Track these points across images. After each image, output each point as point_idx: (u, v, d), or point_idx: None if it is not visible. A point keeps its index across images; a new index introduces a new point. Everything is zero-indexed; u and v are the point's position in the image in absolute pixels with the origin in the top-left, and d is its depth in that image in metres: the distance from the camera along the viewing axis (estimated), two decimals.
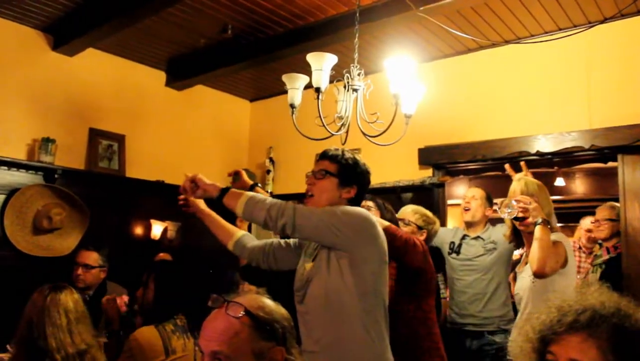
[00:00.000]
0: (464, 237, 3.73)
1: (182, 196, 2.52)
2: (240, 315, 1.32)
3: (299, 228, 2.03)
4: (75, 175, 4.37)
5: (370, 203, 2.73)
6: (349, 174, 2.20)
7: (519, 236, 2.84)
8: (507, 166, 3.74)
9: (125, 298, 3.16)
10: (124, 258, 4.27)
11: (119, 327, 2.96)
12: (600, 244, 4.04)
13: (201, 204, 2.57)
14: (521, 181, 2.84)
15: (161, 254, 4.49)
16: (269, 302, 1.41)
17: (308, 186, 2.25)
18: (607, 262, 3.83)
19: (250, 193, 2.13)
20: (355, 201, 2.22)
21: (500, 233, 3.53)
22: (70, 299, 2.35)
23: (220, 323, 1.33)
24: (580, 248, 4.66)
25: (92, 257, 3.53)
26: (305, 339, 2.09)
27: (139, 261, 4.52)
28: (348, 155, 2.24)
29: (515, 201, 2.65)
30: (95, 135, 4.61)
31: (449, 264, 3.73)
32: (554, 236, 2.58)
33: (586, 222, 4.68)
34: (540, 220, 2.53)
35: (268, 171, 5.50)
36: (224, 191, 2.18)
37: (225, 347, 1.30)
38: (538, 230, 2.51)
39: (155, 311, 2.54)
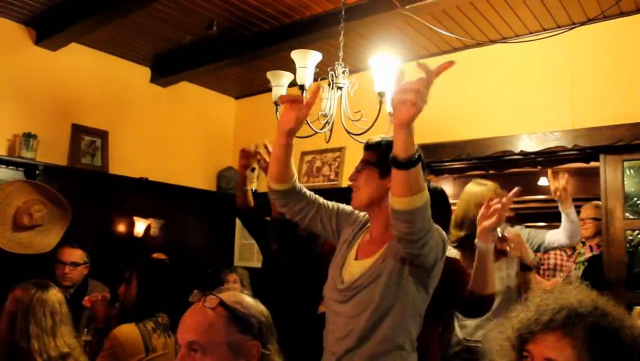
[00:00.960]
0: None
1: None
2: (215, 306, 1.34)
3: (429, 253, 1.76)
4: (57, 171, 4.33)
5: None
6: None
7: None
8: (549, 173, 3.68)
9: (108, 295, 3.13)
10: (107, 255, 4.23)
11: (104, 325, 2.93)
12: (584, 243, 4.07)
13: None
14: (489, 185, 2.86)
15: (155, 254, 4.46)
16: (247, 298, 1.42)
17: (352, 181, 2.03)
18: (590, 260, 3.87)
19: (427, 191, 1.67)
20: None
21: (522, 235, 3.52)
22: (56, 299, 2.32)
23: (196, 314, 1.35)
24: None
25: (78, 254, 3.50)
26: (335, 342, 1.92)
27: (121, 258, 4.50)
28: (388, 141, 1.90)
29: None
30: (78, 131, 4.57)
31: None
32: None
33: None
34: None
35: (252, 169, 5.45)
36: (420, 158, 1.61)
37: (200, 337, 1.31)
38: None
39: (137, 309, 2.52)
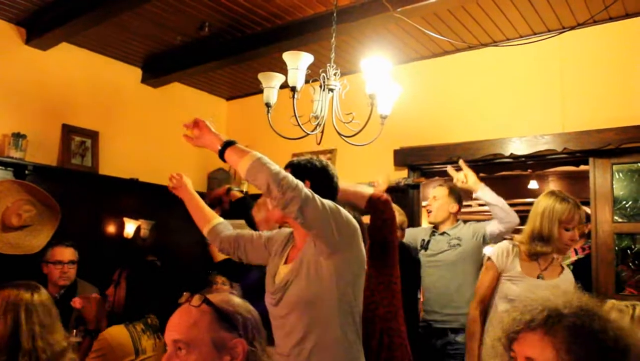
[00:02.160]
0: (433, 233, 3.77)
1: (173, 175, 2.56)
2: (199, 304, 1.36)
3: (306, 209, 1.88)
4: (47, 171, 4.30)
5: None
6: (300, 178, 1.99)
7: None
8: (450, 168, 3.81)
9: (98, 296, 3.11)
10: (96, 256, 4.21)
11: (96, 327, 2.90)
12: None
13: (189, 183, 2.55)
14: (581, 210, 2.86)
15: (150, 257, 4.44)
16: (235, 298, 1.43)
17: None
18: (575, 263, 3.89)
19: (259, 153, 1.93)
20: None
21: (468, 231, 3.58)
22: (47, 299, 2.31)
23: (182, 313, 1.38)
24: None
25: (72, 252, 3.50)
26: (281, 342, 2.06)
27: (111, 259, 4.47)
28: (302, 161, 2.19)
29: None
30: (68, 131, 4.54)
31: (422, 262, 3.75)
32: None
33: None
34: None
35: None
36: (228, 144, 1.98)
37: (184, 335, 1.33)
38: None
39: (126, 310, 2.51)
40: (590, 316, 1.09)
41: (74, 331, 2.99)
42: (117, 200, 4.80)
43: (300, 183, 1.89)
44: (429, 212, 3.80)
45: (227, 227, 2.44)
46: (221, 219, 2.47)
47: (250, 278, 3.20)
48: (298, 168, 2.13)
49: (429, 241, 3.75)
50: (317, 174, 2.16)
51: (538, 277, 2.73)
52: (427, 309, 3.65)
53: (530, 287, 2.66)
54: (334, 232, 1.94)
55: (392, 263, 2.57)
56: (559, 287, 2.52)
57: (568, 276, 2.81)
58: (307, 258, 2.02)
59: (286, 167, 2.14)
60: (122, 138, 4.94)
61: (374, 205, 2.48)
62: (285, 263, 2.15)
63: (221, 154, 1.98)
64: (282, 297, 2.05)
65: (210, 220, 2.44)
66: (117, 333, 2.37)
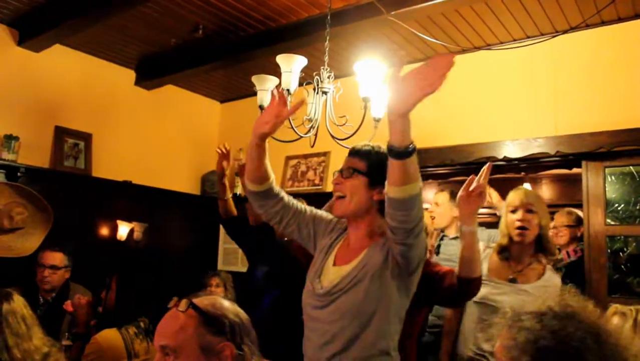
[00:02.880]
0: (442, 237, 3.77)
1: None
2: (185, 309, 1.36)
3: (414, 252, 1.79)
4: (39, 174, 4.29)
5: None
6: (380, 172, 1.83)
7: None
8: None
9: (90, 299, 3.10)
10: (89, 259, 4.20)
11: (86, 330, 2.89)
12: (559, 249, 4.10)
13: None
14: (520, 190, 2.83)
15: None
16: (223, 301, 1.42)
17: (336, 186, 2.00)
18: (569, 266, 3.90)
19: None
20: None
21: (482, 235, 3.57)
22: (22, 304, 2.28)
23: (169, 318, 1.38)
24: None
25: (58, 257, 3.46)
26: (316, 349, 1.91)
27: (104, 262, 4.46)
28: (378, 150, 1.96)
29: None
30: (61, 133, 4.53)
31: None
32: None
33: None
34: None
35: (237, 173, 5.47)
36: (414, 149, 1.63)
37: (171, 340, 1.33)
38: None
39: (118, 314, 2.50)
40: (579, 322, 1.08)
41: (66, 334, 2.98)
42: (111, 202, 4.79)
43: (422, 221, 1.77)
44: (432, 218, 3.80)
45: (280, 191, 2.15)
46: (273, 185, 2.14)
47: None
48: (379, 167, 1.85)
49: (439, 246, 3.75)
50: (379, 162, 1.92)
51: (511, 280, 2.69)
52: (441, 314, 3.63)
53: (493, 289, 2.67)
54: (418, 266, 1.87)
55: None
56: (527, 297, 2.43)
57: (551, 280, 2.72)
58: (370, 268, 1.87)
59: (362, 156, 1.97)
60: (116, 140, 4.92)
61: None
62: (336, 263, 1.98)
63: (405, 153, 1.61)
64: (333, 302, 1.89)
65: (270, 177, 2.09)
66: (110, 336, 2.36)
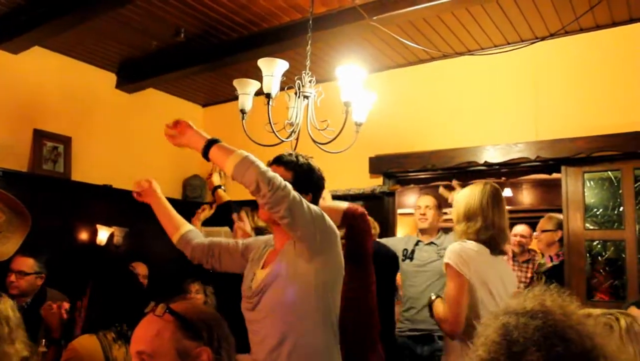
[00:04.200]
0: (417, 243, 3.78)
1: (141, 181, 2.43)
2: (162, 313, 1.34)
3: (294, 209, 1.86)
4: (17, 177, 4.22)
5: None
6: (304, 181, 2.06)
7: None
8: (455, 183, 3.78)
9: (66, 305, 3.05)
10: (68, 264, 4.14)
11: (60, 336, 2.85)
12: (542, 255, 4.14)
13: (157, 188, 2.41)
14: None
15: (134, 263, 4.38)
16: (200, 305, 1.41)
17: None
18: (551, 269, 3.94)
19: (246, 152, 1.89)
20: None
21: (452, 241, 3.59)
22: (8, 306, 2.25)
23: (145, 324, 1.36)
24: (513, 256, 4.72)
25: (27, 263, 3.38)
26: (257, 348, 2.01)
27: (83, 267, 4.40)
28: (303, 160, 2.12)
29: None
30: (39, 136, 4.47)
31: (403, 271, 3.76)
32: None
33: (516, 228, 4.70)
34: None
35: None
36: (212, 142, 1.94)
37: (147, 346, 1.31)
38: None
39: (96, 319, 2.46)
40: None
41: (43, 341, 2.93)
42: (90, 207, 4.73)
43: (288, 184, 1.87)
44: (422, 219, 3.82)
45: (198, 235, 2.37)
46: (191, 227, 2.39)
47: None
48: (304, 177, 2.08)
49: (413, 251, 3.76)
50: (319, 189, 2.16)
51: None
52: (415, 318, 3.64)
53: None
54: (316, 235, 1.93)
55: (367, 269, 2.57)
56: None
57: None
58: (286, 261, 1.99)
59: (272, 163, 2.11)
60: (96, 144, 4.87)
61: (349, 219, 2.47)
62: (263, 267, 2.10)
63: (205, 153, 1.94)
64: (259, 301, 2.00)
65: (179, 227, 2.35)
66: (87, 342, 2.32)
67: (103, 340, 2.35)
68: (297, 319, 1.94)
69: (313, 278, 1.95)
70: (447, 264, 2.39)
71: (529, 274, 4.54)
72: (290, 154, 2.14)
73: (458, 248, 2.41)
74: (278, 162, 2.11)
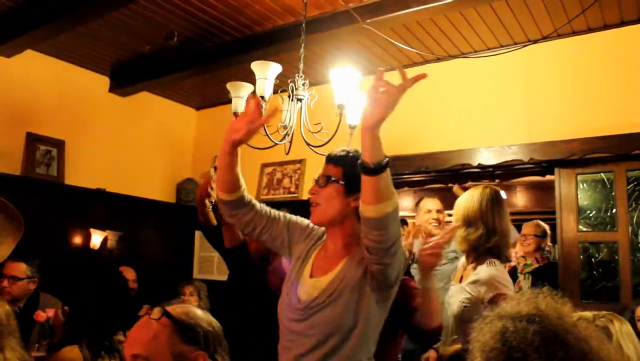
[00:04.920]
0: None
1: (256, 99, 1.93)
2: (158, 317, 1.33)
3: (392, 271, 1.76)
4: (10, 181, 4.21)
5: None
6: (356, 178, 1.73)
7: None
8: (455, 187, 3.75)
9: (61, 308, 3.04)
10: (62, 268, 4.12)
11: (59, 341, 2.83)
12: (524, 256, 4.15)
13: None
14: None
15: (121, 268, 4.36)
16: (196, 310, 1.40)
17: (312, 195, 1.95)
18: (536, 271, 3.94)
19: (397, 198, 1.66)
20: None
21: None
22: (2, 311, 2.23)
23: (141, 327, 1.35)
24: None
25: (20, 268, 3.36)
26: (294, 360, 1.87)
27: (77, 271, 4.38)
28: (355, 154, 1.88)
29: None
30: (32, 140, 4.45)
31: (412, 274, 3.74)
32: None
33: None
34: None
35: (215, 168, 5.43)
36: (388, 164, 1.60)
37: (144, 349, 1.30)
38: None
39: (77, 330, 2.42)
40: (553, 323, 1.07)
41: (36, 346, 2.92)
42: (84, 211, 4.72)
43: (399, 242, 1.72)
44: (437, 224, 3.79)
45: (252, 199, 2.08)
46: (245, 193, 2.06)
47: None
48: (355, 173, 1.72)
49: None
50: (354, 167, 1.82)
51: (461, 280, 2.58)
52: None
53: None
54: (397, 280, 1.83)
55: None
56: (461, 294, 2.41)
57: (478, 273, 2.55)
58: (348, 281, 1.83)
59: (337, 163, 1.93)
60: (89, 147, 4.86)
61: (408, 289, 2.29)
62: (312, 275, 1.93)
63: (377, 171, 1.58)
64: (310, 317, 1.85)
65: (241, 186, 2.01)
66: (69, 354, 2.30)
67: (84, 352, 2.32)
68: (344, 344, 1.81)
69: (374, 309, 1.83)
70: (504, 295, 2.19)
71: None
72: (343, 150, 1.97)
73: (501, 274, 2.34)
74: (328, 160, 1.97)
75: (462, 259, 2.71)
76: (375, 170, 1.57)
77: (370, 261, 1.75)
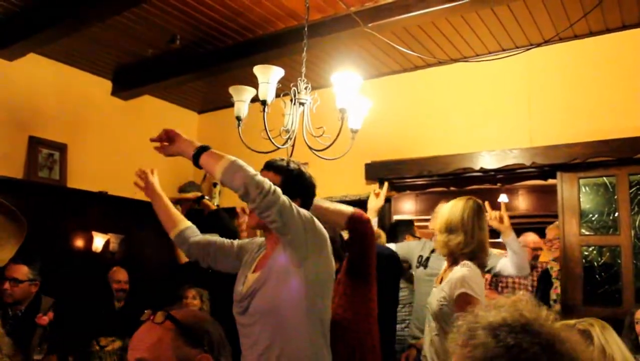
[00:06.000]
0: (433, 250, 3.74)
1: (139, 172, 2.51)
2: (162, 321, 1.32)
3: (283, 214, 1.87)
4: (12, 184, 4.22)
5: None
6: (293, 185, 2.06)
7: None
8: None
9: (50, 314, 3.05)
10: (64, 271, 4.12)
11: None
12: (555, 260, 4.13)
13: (156, 183, 2.51)
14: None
15: (114, 268, 4.37)
16: (199, 312, 1.40)
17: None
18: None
19: (234, 157, 1.91)
20: None
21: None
22: None
23: (145, 331, 1.34)
24: None
25: (22, 271, 3.36)
26: (247, 352, 2.01)
27: (79, 274, 4.39)
28: (293, 166, 2.13)
29: None
30: (35, 143, 4.46)
31: (416, 277, 3.74)
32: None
33: (528, 238, 4.75)
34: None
35: (215, 184, 5.44)
36: (202, 149, 1.95)
37: (148, 353, 1.30)
38: None
39: (57, 339, 2.39)
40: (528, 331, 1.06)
41: (38, 348, 2.92)
42: (86, 214, 4.73)
43: (278, 189, 1.87)
44: None
45: (196, 232, 2.37)
46: (189, 224, 2.38)
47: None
48: (293, 181, 2.09)
49: (428, 258, 3.71)
50: (310, 194, 2.17)
51: (441, 282, 2.72)
52: (419, 327, 3.58)
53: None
54: (307, 239, 1.94)
55: (369, 280, 2.56)
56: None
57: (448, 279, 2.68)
58: (276, 265, 1.99)
59: (263, 169, 2.11)
60: (91, 151, 4.87)
61: (354, 223, 2.47)
62: (254, 271, 2.10)
63: (196, 160, 1.95)
64: (249, 305, 2.01)
65: (177, 224, 2.35)
66: None
67: None
68: (285, 323, 1.95)
69: (303, 283, 1.95)
70: (465, 294, 2.41)
71: (535, 282, 4.56)
72: (282, 160, 2.16)
73: (472, 275, 2.49)
74: (268, 167, 2.13)
75: (444, 264, 2.86)
76: (197, 155, 1.95)
77: (268, 225, 1.92)
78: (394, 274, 3.48)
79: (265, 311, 1.97)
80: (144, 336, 1.33)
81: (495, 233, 3.12)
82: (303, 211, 1.95)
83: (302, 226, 1.92)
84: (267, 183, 1.86)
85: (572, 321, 1.78)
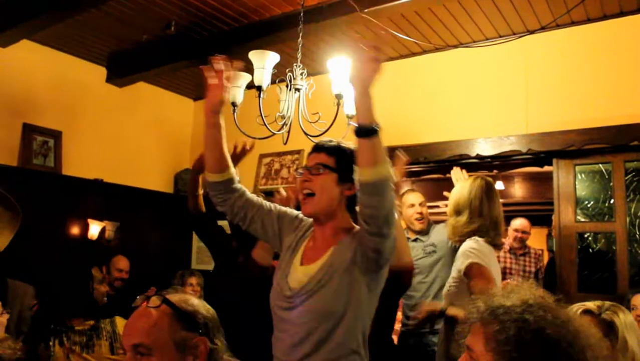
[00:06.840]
0: (406, 239, 3.76)
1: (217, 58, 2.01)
2: (158, 304, 1.32)
3: (388, 245, 1.75)
4: (6, 172, 4.21)
5: None
6: (348, 167, 1.81)
7: None
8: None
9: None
10: (60, 258, 4.12)
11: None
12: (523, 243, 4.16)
13: (222, 118, 2.01)
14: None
15: (115, 257, 4.36)
16: (192, 297, 1.40)
17: (303, 183, 1.91)
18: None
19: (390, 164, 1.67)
20: (355, 199, 1.83)
21: (441, 235, 3.58)
22: None
23: (140, 316, 1.34)
24: (510, 249, 4.77)
25: None
26: (287, 350, 1.86)
27: (74, 262, 4.38)
28: (345, 145, 1.93)
29: None
30: (29, 131, 4.44)
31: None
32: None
33: (516, 222, 4.79)
34: None
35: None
36: (377, 130, 1.62)
37: (145, 338, 1.29)
38: None
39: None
40: (534, 313, 1.09)
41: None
42: (81, 201, 4.72)
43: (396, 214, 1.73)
44: (420, 219, 3.75)
45: (242, 187, 2.08)
46: (235, 174, 2.06)
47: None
48: (348, 163, 1.82)
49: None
50: (347, 158, 1.88)
51: None
52: (408, 314, 3.63)
53: None
54: (389, 259, 1.83)
55: None
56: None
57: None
58: (338, 266, 1.83)
59: (312, 152, 1.96)
60: (86, 138, 4.85)
61: (404, 271, 2.37)
62: (303, 263, 1.93)
63: (369, 131, 1.62)
64: (301, 304, 1.85)
65: (230, 167, 2.01)
66: None
67: (43, 352, 2.30)
68: (337, 329, 1.80)
69: (365, 291, 1.82)
70: (475, 264, 2.40)
71: (533, 268, 4.58)
72: (331, 140, 1.98)
73: (477, 247, 2.49)
74: (319, 149, 1.95)
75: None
76: (374, 130, 1.61)
77: (366, 234, 1.73)
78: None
79: (321, 313, 1.81)
80: (139, 321, 1.33)
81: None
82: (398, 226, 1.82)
83: (390, 250, 1.80)
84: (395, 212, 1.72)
85: (593, 306, 1.80)
